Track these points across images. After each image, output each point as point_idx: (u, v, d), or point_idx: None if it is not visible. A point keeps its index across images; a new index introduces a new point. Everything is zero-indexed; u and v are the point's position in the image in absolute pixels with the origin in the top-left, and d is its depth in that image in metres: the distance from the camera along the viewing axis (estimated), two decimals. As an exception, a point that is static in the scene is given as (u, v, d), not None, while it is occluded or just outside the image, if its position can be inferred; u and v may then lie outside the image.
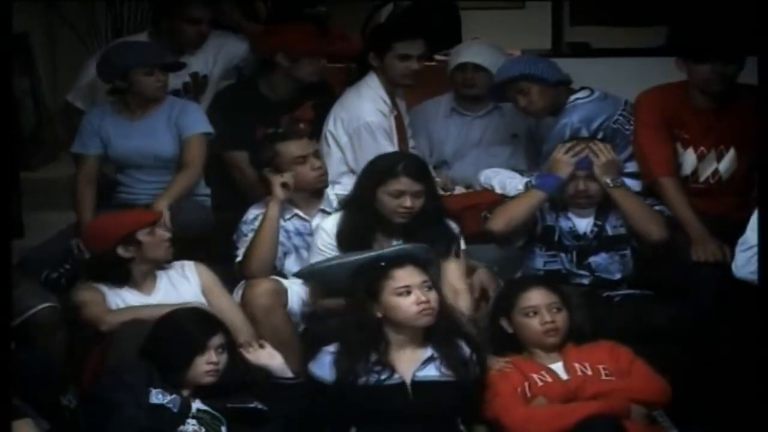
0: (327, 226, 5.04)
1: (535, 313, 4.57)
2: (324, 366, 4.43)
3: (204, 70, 5.97)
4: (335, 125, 5.71)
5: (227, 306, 4.91)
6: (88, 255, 4.99)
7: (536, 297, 4.61)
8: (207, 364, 4.33)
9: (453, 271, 4.96)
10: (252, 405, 4.36)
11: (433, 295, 4.45)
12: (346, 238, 4.96)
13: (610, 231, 5.19)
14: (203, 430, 4.26)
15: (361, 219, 4.96)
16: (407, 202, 4.90)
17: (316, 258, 5.03)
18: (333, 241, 5.00)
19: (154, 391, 4.23)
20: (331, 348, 4.46)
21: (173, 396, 4.24)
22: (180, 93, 5.87)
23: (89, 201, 5.44)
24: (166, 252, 4.91)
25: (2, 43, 3.92)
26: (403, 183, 4.91)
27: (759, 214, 4.36)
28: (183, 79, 5.89)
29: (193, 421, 4.26)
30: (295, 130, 5.56)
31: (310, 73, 5.87)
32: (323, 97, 6.01)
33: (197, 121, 5.57)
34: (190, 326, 4.42)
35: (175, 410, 4.22)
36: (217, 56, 6.01)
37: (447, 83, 6.18)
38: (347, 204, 5.05)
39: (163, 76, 5.50)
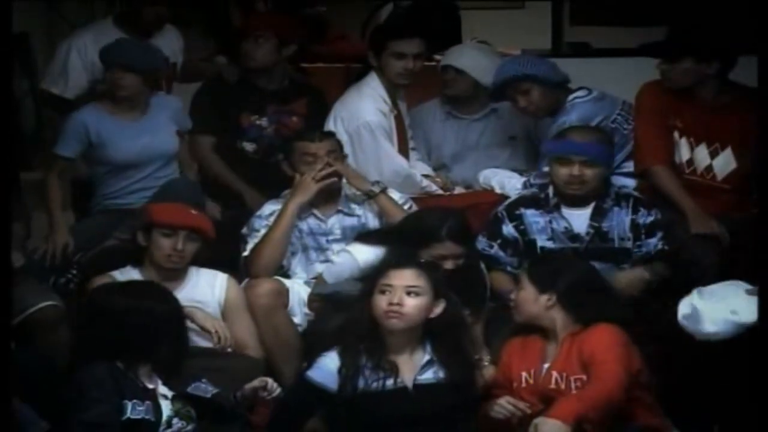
0: (360, 258, 4.95)
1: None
2: (325, 372, 4.36)
3: (172, 57, 6.00)
4: (335, 124, 5.71)
5: (242, 326, 4.91)
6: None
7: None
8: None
9: (476, 328, 4.91)
10: (210, 393, 4.32)
11: (412, 302, 4.35)
12: None
13: (616, 242, 5.15)
14: (184, 423, 4.26)
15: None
16: (449, 264, 4.80)
17: (331, 278, 4.99)
18: (360, 275, 4.87)
19: (129, 405, 4.17)
20: (332, 354, 4.39)
21: (146, 403, 4.20)
22: None
23: (61, 201, 5.40)
24: (168, 262, 4.86)
25: (2, 43, 3.91)
26: (447, 247, 4.82)
27: (759, 214, 4.36)
28: None
29: (176, 419, 4.25)
30: (317, 132, 5.52)
31: (260, 55, 5.86)
32: (317, 99, 6.04)
33: (187, 119, 5.67)
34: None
35: (153, 419, 4.19)
36: (173, 45, 6.04)
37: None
38: (386, 248, 4.89)
39: (120, 77, 5.45)
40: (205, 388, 4.34)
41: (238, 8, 6.84)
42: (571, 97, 5.62)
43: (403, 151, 5.82)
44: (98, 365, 4.21)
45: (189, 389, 4.32)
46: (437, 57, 6.45)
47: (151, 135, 5.47)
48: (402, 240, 4.86)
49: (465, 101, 6.08)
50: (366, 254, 4.92)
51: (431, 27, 6.41)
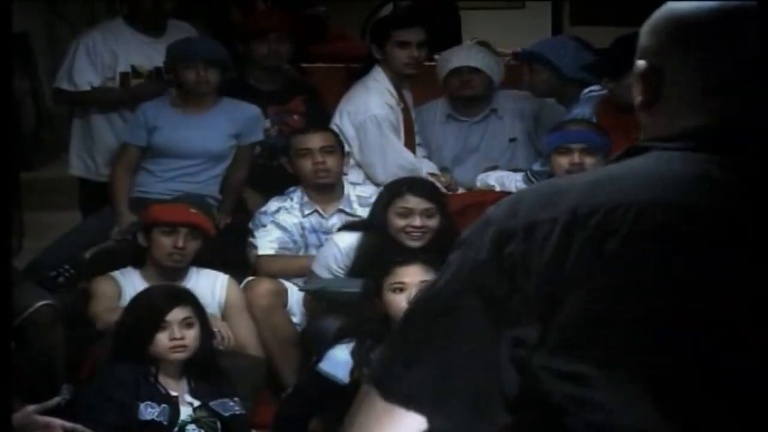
0: (341, 244, 4.95)
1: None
2: (336, 364, 4.35)
3: None
4: (341, 119, 5.70)
5: (243, 327, 4.89)
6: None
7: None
8: (170, 340, 4.25)
9: None
10: (229, 413, 4.31)
11: None
12: (361, 263, 4.85)
13: None
14: (202, 431, 4.25)
15: (376, 243, 4.83)
16: (416, 221, 4.79)
17: (322, 272, 4.99)
18: (345, 261, 4.91)
19: (142, 406, 4.16)
20: (342, 346, 4.38)
21: (162, 406, 4.19)
22: (161, 71, 5.87)
23: (125, 189, 5.45)
24: (169, 260, 4.84)
25: (2, 43, 3.92)
26: (410, 201, 4.83)
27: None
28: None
29: (192, 425, 4.24)
30: (315, 124, 5.56)
31: (272, 54, 5.86)
32: (313, 96, 6.05)
33: (259, 131, 5.65)
34: (150, 301, 4.36)
35: (165, 422, 4.18)
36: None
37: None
38: (363, 229, 4.96)
39: (204, 72, 5.46)
40: (226, 406, 4.32)
41: (237, 7, 6.82)
42: (587, 90, 5.63)
43: (410, 144, 5.81)
44: (121, 366, 4.23)
45: (212, 403, 4.30)
46: (438, 57, 6.45)
47: (195, 130, 5.48)
48: (372, 206, 4.94)
49: (469, 103, 6.07)
50: (346, 239, 4.95)
51: (432, 27, 6.40)
